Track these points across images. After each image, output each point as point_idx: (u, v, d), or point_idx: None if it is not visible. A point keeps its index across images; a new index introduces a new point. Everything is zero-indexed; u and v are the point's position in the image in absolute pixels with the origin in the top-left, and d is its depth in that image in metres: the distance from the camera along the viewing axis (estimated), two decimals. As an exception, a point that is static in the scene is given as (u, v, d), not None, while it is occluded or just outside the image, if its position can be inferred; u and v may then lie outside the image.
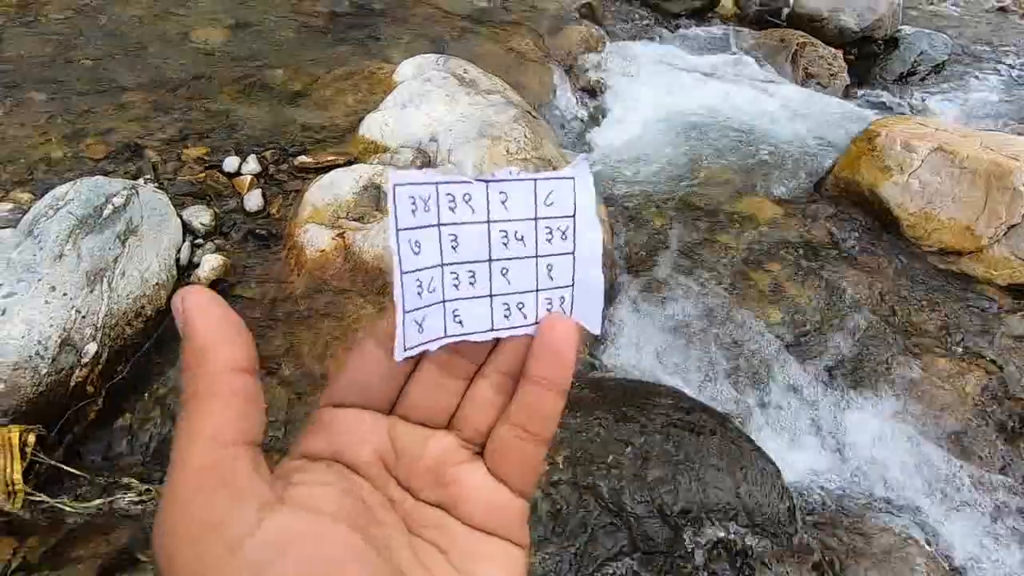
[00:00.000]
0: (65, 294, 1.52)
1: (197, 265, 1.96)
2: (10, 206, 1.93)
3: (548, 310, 0.33)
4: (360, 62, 3.19)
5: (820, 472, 1.80)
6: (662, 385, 1.93)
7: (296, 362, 1.79)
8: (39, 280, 1.50)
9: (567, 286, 0.33)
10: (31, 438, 1.41)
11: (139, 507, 1.42)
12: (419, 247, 0.31)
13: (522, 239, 0.32)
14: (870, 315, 2.42)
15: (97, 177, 1.78)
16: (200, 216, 2.11)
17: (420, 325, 0.34)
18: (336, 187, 2.19)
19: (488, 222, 0.32)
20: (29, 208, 1.72)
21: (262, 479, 0.27)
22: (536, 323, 0.33)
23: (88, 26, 3.29)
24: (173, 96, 2.86)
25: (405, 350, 0.34)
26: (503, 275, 0.32)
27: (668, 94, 4.13)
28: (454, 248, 0.31)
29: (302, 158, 2.43)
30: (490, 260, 0.32)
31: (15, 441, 1.36)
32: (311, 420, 0.35)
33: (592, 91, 3.91)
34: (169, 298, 1.85)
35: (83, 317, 1.54)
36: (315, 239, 2.05)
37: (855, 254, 2.76)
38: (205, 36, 3.37)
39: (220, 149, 2.50)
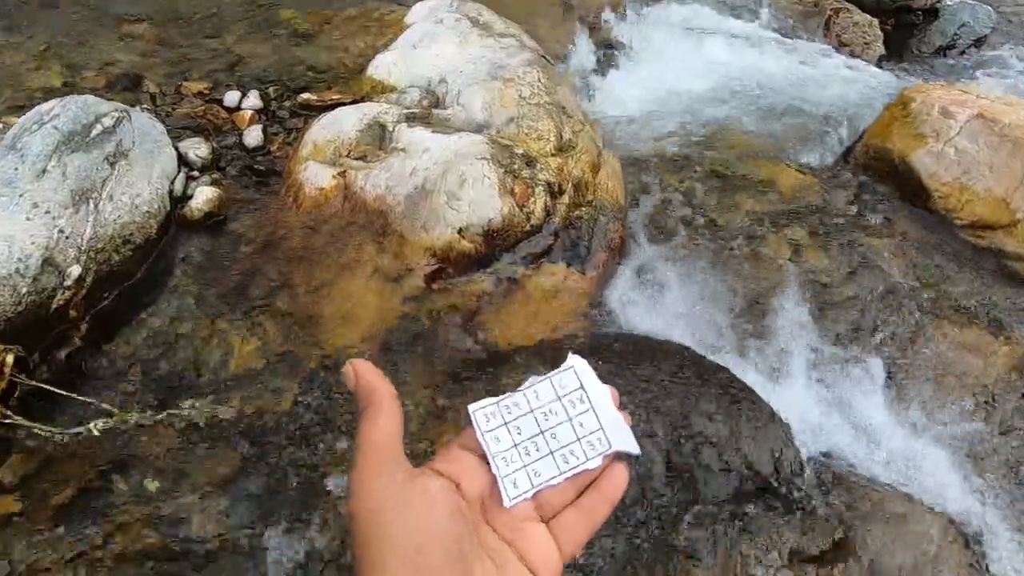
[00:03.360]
0: (48, 212, 1.45)
1: (191, 197, 1.88)
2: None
3: (592, 449, 0.48)
4: (372, 4, 3.05)
5: (833, 435, 1.71)
6: (671, 342, 1.84)
7: (291, 299, 1.72)
8: (20, 196, 1.42)
9: (597, 430, 0.48)
10: (9, 358, 1.35)
11: (119, 434, 1.37)
12: (498, 439, 0.48)
13: (556, 412, 0.49)
14: (893, 285, 2.30)
15: (87, 95, 1.69)
16: (197, 148, 2.02)
17: (515, 483, 0.47)
18: (339, 125, 2.09)
19: (532, 411, 0.49)
20: (17, 127, 1.65)
21: (407, 463, 0.44)
22: (587, 460, 0.48)
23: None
24: (178, 31, 2.76)
25: (511, 500, 0.46)
26: (553, 438, 0.48)
27: (693, 55, 3.95)
28: (519, 432, 0.48)
29: (306, 95, 2.32)
30: (542, 432, 0.48)
31: (-9, 359, 1.30)
32: (443, 445, 0.54)
33: (613, 48, 3.75)
34: (161, 228, 1.78)
35: (66, 238, 1.47)
36: (315, 177, 1.96)
37: (880, 225, 2.62)
38: (213, -28, 3.24)
39: (222, 84, 2.40)
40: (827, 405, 1.84)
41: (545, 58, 2.45)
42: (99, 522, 1.30)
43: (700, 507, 1.43)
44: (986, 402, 1.91)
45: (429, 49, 2.44)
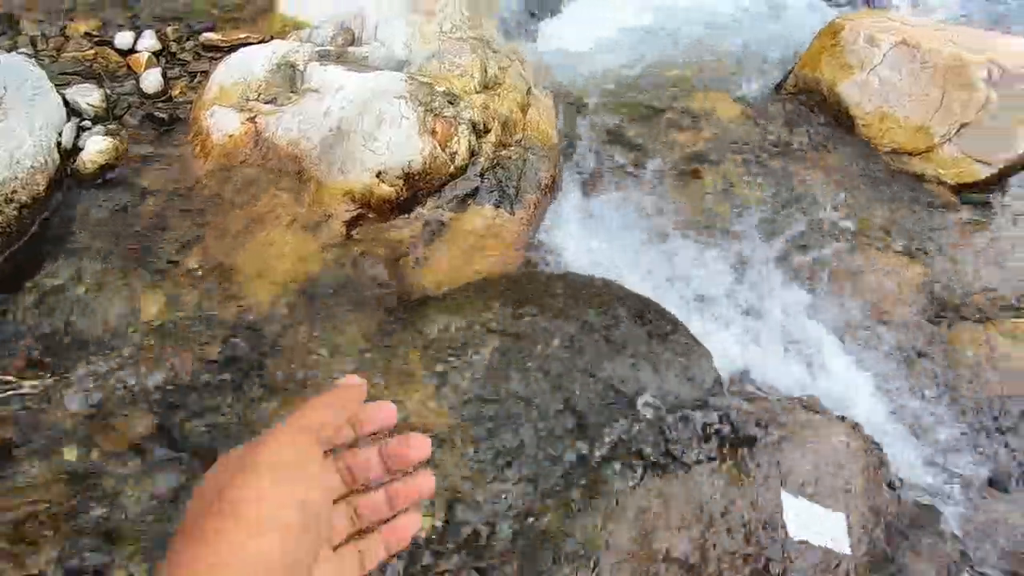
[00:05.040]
0: (-95, 168, 1.30)
1: (83, 149, 1.73)
2: None
3: None
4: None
5: (754, 355, 1.78)
6: (598, 278, 1.85)
7: (201, 254, 1.63)
8: None
9: None
10: None
11: (19, 399, 1.30)
12: None
13: None
14: (818, 212, 2.37)
15: (-59, 36, 1.50)
16: (87, 96, 1.85)
17: None
18: (246, 65, 1.94)
19: None
20: None
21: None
22: None
23: None
24: (59, -35, 2.47)
25: None
26: None
27: (633, -8, 3.83)
28: None
29: (209, 35, 2.14)
30: None
31: None
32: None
33: (548, -18, 3.59)
34: (51, 184, 1.64)
35: (-67, 196, 1.34)
36: (222, 123, 1.83)
37: (809, 154, 2.67)
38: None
39: (113, 24, 2.18)
40: (753, 327, 1.91)
41: (468, -11, 2.32)
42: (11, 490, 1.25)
43: (625, 422, 1.48)
44: (897, 321, 2.02)
45: (343, -19, 2.27)
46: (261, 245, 1.66)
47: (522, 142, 2.14)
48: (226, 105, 1.87)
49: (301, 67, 1.93)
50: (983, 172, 2.48)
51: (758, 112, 2.91)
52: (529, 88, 2.32)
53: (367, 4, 2.16)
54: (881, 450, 1.59)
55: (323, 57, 1.96)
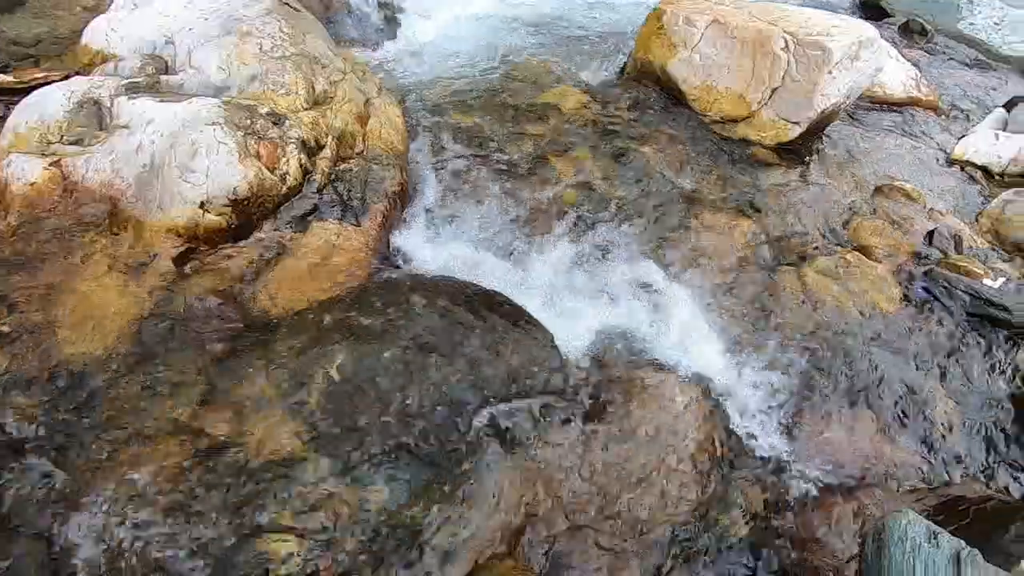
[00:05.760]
0: None
1: None
2: None
3: None
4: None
5: (601, 329, 1.90)
6: (450, 277, 1.90)
7: (10, 314, 1.53)
8: None
9: None
10: None
11: None
12: None
13: None
14: (661, 185, 2.55)
15: None
16: None
17: None
18: (42, 107, 1.82)
19: None
20: None
21: None
22: None
23: None
24: None
25: None
26: None
27: (482, -7, 3.92)
28: None
29: (0, 77, 1.99)
30: None
31: None
32: None
33: (393, -12, 3.60)
34: None
35: None
36: (22, 171, 1.71)
37: (651, 131, 2.86)
38: None
39: None
40: (604, 299, 2.04)
41: (289, 5, 2.29)
42: None
43: (478, 413, 1.54)
44: (731, 273, 2.23)
45: (151, 7, 2.17)
46: (81, 296, 1.57)
47: (364, 154, 2.15)
48: (24, 152, 1.74)
49: (107, 103, 1.84)
50: (794, 131, 2.77)
51: (603, 97, 3.08)
52: (368, 99, 2.33)
53: (178, 29, 2.08)
54: (719, 398, 1.77)
55: (132, 90, 1.88)
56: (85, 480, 1.35)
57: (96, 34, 2.13)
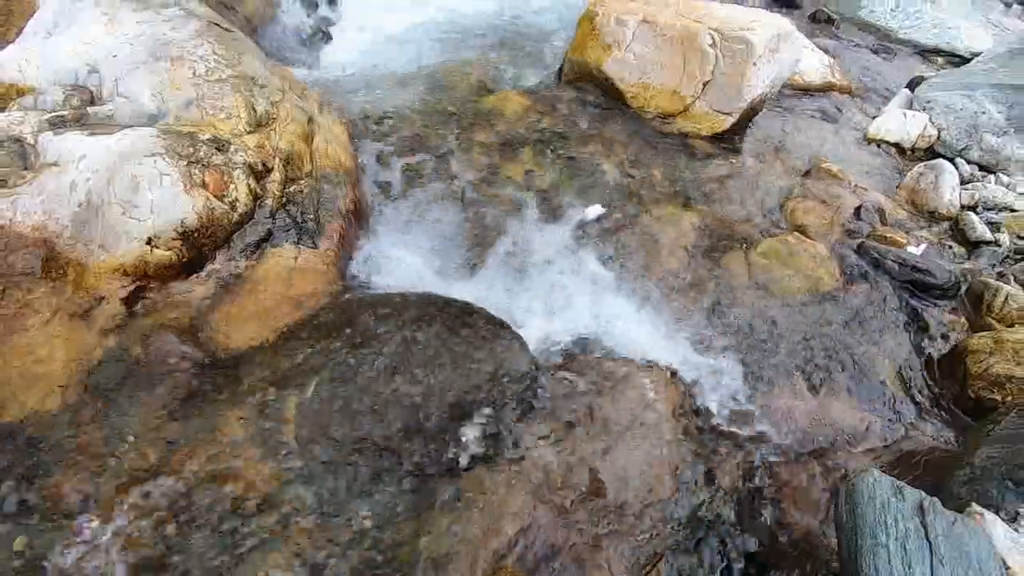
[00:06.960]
0: None
1: None
2: None
3: None
4: (-16, -15, 2.45)
5: (567, 330, 1.95)
6: (411, 292, 1.90)
7: (-57, 377, 1.41)
8: None
9: None
10: None
11: None
12: None
13: None
14: (606, 182, 2.63)
15: None
16: None
17: None
18: (-43, 149, 1.68)
19: None
20: None
21: None
22: None
23: None
24: None
25: None
26: None
27: (415, 4, 3.90)
28: None
29: (-98, 119, 1.82)
30: None
31: None
32: None
33: (319, 3, 3.53)
34: None
35: None
36: (-60, 220, 1.58)
37: (592, 131, 2.94)
38: None
39: None
40: (562, 302, 2.08)
41: (219, 25, 2.21)
42: None
43: (466, 421, 1.55)
44: (682, 262, 2.33)
45: (68, 34, 2.05)
46: (20, 352, 1.47)
47: (312, 173, 2.11)
48: (-59, 199, 1.61)
49: (30, 139, 1.72)
50: (727, 122, 2.92)
51: (544, 100, 3.14)
52: (311, 117, 2.28)
53: (102, 57, 1.97)
54: (683, 383, 1.84)
55: (57, 124, 1.77)
56: (47, 543, 1.27)
57: (7, 65, 1.99)
